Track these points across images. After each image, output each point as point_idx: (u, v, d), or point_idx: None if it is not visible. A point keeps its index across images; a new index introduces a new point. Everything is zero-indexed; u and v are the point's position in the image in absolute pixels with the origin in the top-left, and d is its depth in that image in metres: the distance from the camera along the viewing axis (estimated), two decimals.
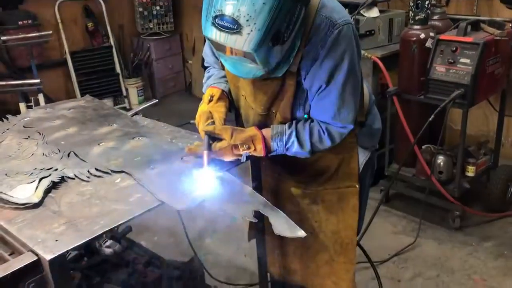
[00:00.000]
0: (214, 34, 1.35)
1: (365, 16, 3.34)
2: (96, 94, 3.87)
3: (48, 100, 4.09)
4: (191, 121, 3.62)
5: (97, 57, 5.33)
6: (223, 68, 1.81)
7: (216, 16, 1.32)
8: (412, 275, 2.82)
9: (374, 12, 3.34)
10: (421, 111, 3.17)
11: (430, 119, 2.78)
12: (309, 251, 1.97)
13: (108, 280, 1.86)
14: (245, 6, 1.29)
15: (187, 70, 6.25)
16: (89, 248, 2.11)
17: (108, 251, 2.13)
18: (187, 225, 2.56)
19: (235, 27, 1.30)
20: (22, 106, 3.93)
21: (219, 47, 1.45)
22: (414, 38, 3.05)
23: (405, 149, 3.20)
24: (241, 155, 1.61)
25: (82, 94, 4.71)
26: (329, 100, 1.58)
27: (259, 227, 1.76)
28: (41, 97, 4.00)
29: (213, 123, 1.65)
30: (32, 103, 3.97)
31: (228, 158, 1.61)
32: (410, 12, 3.10)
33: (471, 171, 3.20)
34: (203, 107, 1.74)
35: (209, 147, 1.56)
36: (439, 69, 2.92)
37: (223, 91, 1.78)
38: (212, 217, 3.41)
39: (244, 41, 1.32)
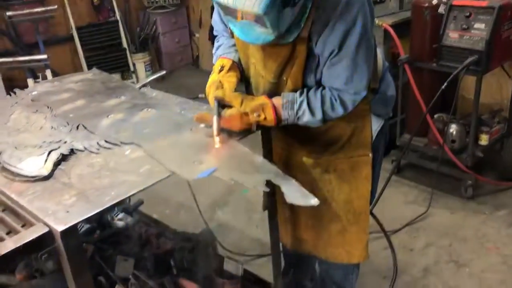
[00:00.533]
0: None
1: None
2: (104, 69, 3.83)
3: (56, 75, 4.07)
4: (200, 95, 3.59)
5: (104, 32, 5.28)
6: (232, 35, 1.77)
7: None
8: (425, 244, 2.81)
9: None
10: (433, 79, 3.11)
11: (443, 87, 2.73)
12: (322, 221, 1.96)
13: (120, 252, 1.87)
14: None
15: (194, 43, 6.19)
16: (101, 221, 2.12)
17: (120, 224, 2.15)
18: (198, 198, 2.57)
19: None
20: (30, 82, 3.92)
21: (227, 11, 1.41)
22: (426, 4, 2.97)
23: (417, 119, 3.16)
24: (251, 124, 1.58)
25: (90, 69, 4.68)
26: (341, 65, 1.54)
27: (271, 197, 1.74)
28: (48, 73, 3.99)
29: (223, 92, 1.62)
30: (40, 79, 3.96)
31: (238, 127, 1.58)
32: None
33: (484, 140, 3.16)
34: (213, 77, 1.71)
35: (219, 115, 1.54)
36: (452, 36, 2.85)
37: (233, 61, 1.74)
38: (222, 189, 3.43)
39: (254, 3, 1.29)
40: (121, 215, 2.18)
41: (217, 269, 1.89)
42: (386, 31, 3.15)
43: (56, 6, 4.24)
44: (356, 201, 1.88)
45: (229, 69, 1.72)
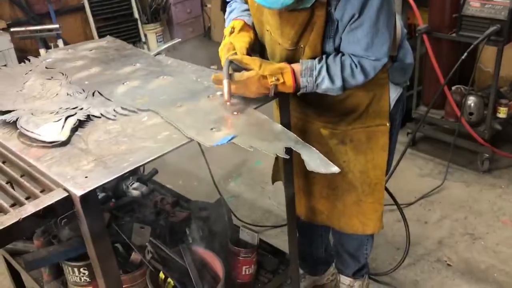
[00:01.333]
0: None
1: None
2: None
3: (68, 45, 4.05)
4: (211, 67, 3.55)
5: (115, 2, 5.22)
6: (246, 1, 1.73)
7: None
8: (439, 217, 2.79)
9: None
10: (452, 50, 3.05)
11: (463, 57, 2.67)
12: (336, 191, 1.94)
13: (137, 221, 1.87)
14: None
15: (206, 14, 6.11)
16: (116, 190, 2.12)
17: (135, 193, 2.15)
18: (211, 169, 2.56)
19: None
20: (42, 52, 3.89)
21: None
22: None
23: (434, 91, 3.11)
24: (268, 88, 1.53)
25: None
26: (361, 30, 1.49)
27: (288, 166, 1.72)
28: (60, 43, 3.96)
29: (235, 53, 1.57)
30: (52, 49, 3.93)
31: (255, 90, 1.53)
32: None
33: (502, 112, 3.10)
34: (225, 40, 1.67)
35: (229, 77, 1.49)
36: (474, 4, 2.76)
37: (245, 22, 1.70)
38: (235, 161, 3.43)
39: None
40: (136, 185, 2.18)
41: (233, 238, 1.89)
42: (405, 0, 3.06)
43: None
44: (372, 171, 1.86)
45: (240, 30, 1.68)
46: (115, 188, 2.11)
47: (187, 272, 1.68)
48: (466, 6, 2.80)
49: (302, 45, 1.62)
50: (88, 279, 1.74)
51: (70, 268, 1.73)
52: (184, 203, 2.16)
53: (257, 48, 1.79)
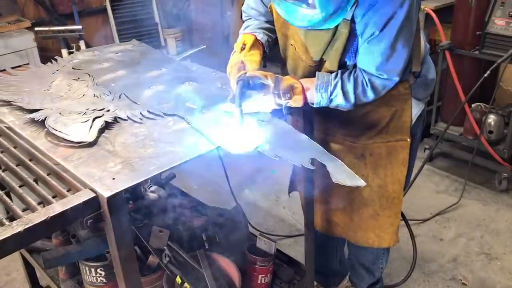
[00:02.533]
0: None
1: None
2: None
3: (88, 47, 4.09)
4: (223, 72, 3.57)
5: (137, 6, 5.27)
6: (272, 15, 1.72)
7: None
8: (455, 235, 2.77)
9: None
10: (473, 67, 3.03)
11: (486, 75, 2.65)
12: (354, 205, 1.94)
13: (154, 224, 1.88)
14: None
15: (225, 21, 6.14)
16: (134, 193, 2.13)
17: (152, 196, 2.16)
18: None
19: None
20: (64, 52, 3.94)
21: None
22: None
23: (453, 107, 3.09)
24: (281, 105, 1.54)
25: (121, 43, 4.68)
26: (378, 48, 1.49)
27: (309, 177, 1.73)
28: (82, 44, 4.00)
29: (246, 74, 1.55)
30: (74, 50, 3.98)
31: (268, 108, 1.54)
32: None
33: None
34: (235, 56, 1.66)
35: (241, 104, 1.45)
36: (498, 23, 2.75)
37: (256, 38, 1.69)
38: (250, 168, 3.43)
39: None
40: (153, 188, 2.19)
41: (249, 246, 1.89)
42: (428, 16, 3.06)
43: None
44: (391, 186, 1.86)
45: (251, 47, 1.67)
46: (133, 190, 2.12)
47: (204, 278, 1.68)
48: (491, 24, 2.79)
49: (324, 59, 1.63)
50: (104, 280, 1.75)
51: (87, 268, 1.75)
52: (201, 208, 2.17)
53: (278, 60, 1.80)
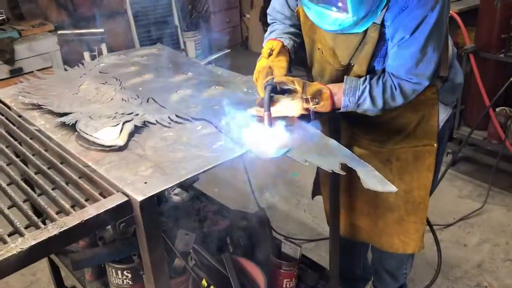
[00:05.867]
0: None
1: None
2: None
3: (109, 49, 4.14)
4: (249, 76, 3.57)
5: (157, 9, 5.31)
6: (299, 19, 1.72)
7: None
8: (479, 240, 2.73)
9: None
10: (498, 71, 3.00)
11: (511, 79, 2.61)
12: (379, 209, 1.93)
13: (180, 226, 1.89)
14: None
15: (244, 24, 6.16)
16: (158, 196, 2.14)
17: (176, 198, 2.17)
18: (246, 178, 2.55)
19: None
20: (86, 55, 3.99)
21: None
22: None
23: (477, 111, 3.05)
24: (309, 110, 1.53)
25: (141, 45, 4.74)
26: (408, 51, 1.48)
27: (334, 181, 1.72)
28: (104, 47, 4.05)
29: (273, 79, 1.55)
30: (96, 53, 4.03)
31: (297, 113, 1.54)
32: None
33: None
34: (262, 62, 1.66)
35: (269, 108, 1.45)
36: None
37: (283, 44, 1.69)
38: (271, 171, 3.42)
39: None
40: (177, 190, 2.20)
41: (274, 250, 1.89)
42: (451, 19, 3.03)
43: None
44: (417, 191, 1.84)
45: (279, 53, 1.66)
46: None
47: (229, 282, 1.69)
48: None
49: (352, 64, 1.62)
50: (130, 282, 1.77)
51: (113, 270, 1.76)
52: (225, 212, 2.17)
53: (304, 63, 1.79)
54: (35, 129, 1.56)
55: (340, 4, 1.31)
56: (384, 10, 1.44)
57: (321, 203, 2.18)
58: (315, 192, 2.22)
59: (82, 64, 2.12)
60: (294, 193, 3.22)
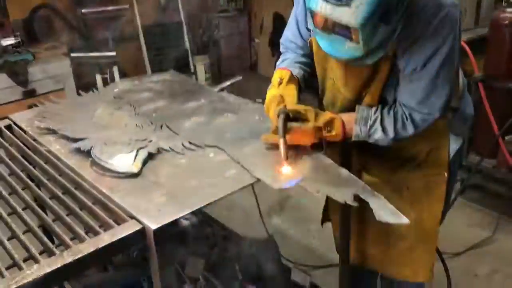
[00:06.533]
0: (320, 5, 1.30)
1: None
2: (165, 69, 3.94)
3: (120, 72, 4.19)
4: (257, 100, 3.62)
5: (168, 33, 5.40)
6: (311, 48, 1.75)
7: None
8: (490, 270, 2.70)
9: None
10: (508, 100, 3.00)
11: None
12: (389, 238, 1.92)
13: (188, 251, 1.89)
14: None
15: (253, 48, 6.23)
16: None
17: (185, 223, 2.18)
18: (255, 202, 2.55)
19: None
20: (98, 78, 4.05)
21: (318, 23, 1.39)
22: (507, 22, 2.86)
23: (486, 139, 3.05)
24: (321, 139, 1.55)
25: (152, 68, 4.81)
26: (419, 83, 1.50)
27: (346, 210, 1.72)
28: (115, 70, 4.11)
29: (285, 107, 1.56)
30: (108, 75, 4.09)
31: (309, 142, 1.55)
32: None
33: None
34: (272, 91, 1.67)
35: (284, 135, 1.46)
36: None
37: (292, 73, 1.71)
38: (279, 196, 3.42)
39: (352, 14, 1.27)
40: (187, 215, 2.20)
41: (284, 278, 1.88)
42: (460, 48, 3.06)
43: (128, 6, 4.38)
44: (427, 220, 1.84)
45: (288, 82, 1.68)
46: None
47: None
48: None
49: (363, 94, 1.64)
50: None
51: None
52: (234, 238, 2.18)
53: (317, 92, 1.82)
54: (50, 154, 1.59)
55: (352, 36, 1.34)
56: (396, 42, 1.47)
57: (330, 229, 2.17)
58: (325, 218, 2.22)
59: (97, 89, 2.15)
60: (302, 218, 3.21)
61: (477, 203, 3.29)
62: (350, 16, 1.27)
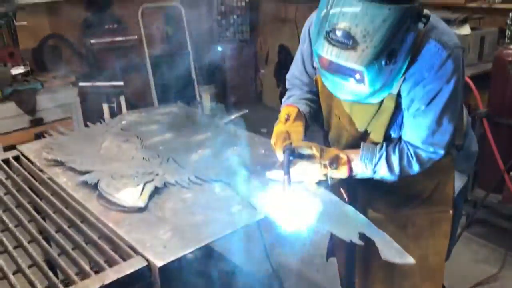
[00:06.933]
0: (325, 49, 1.32)
1: (456, 34, 3.22)
2: (172, 98, 3.98)
3: (127, 102, 4.24)
4: (262, 130, 3.62)
5: (175, 62, 5.47)
6: (316, 86, 1.77)
7: (330, 31, 1.29)
8: None
9: (465, 30, 3.22)
10: None
11: None
12: (394, 275, 1.90)
13: (193, 286, 1.87)
14: (364, 22, 1.26)
15: (259, 79, 6.31)
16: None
17: (189, 256, 2.16)
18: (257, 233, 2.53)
19: (350, 43, 1.27)
20: (105, 107, 4.09)
21: (325, 64, 1.41)
22: (510, 58, 2.89)
23: (491, 174, 3.04)
24: (326, 175, 1.56)
25: (159, 98, 4.86)
26: (424, 122, 1.51)
27: (352, 247, 1.71)
28: (122, 100, 4.15)
29: (291, 143, 1.58)
30: (114, 105, 4.13)
31: (314, 178, 1.56)
32: (508, 30, 2.95)
33: None
34: (279, 127, 1.69)
35: (288, 171, 1.47)
36: None
37: (299, 110, 1.74)
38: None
39: (358, 57, 1.28)
40: None
41: None
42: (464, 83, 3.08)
43: (136, 36, 4.45)
44: (432, 257, 1.82)
45: (295, 118, 1.71)
46: None
47: None
48: None
49: (369, 131, 1.65)
50: None
51: None
52: (238, 273, 2.15)
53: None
54: (57, 186, 1.59)
55: (357, 76, 1.35)
56: (401, 81, 1.48)
57: (335, 264, 2.15)
58: (329, 254, 2.20)
59: (103, 119, 2.18)
60: (306, 251, 3.18)
61: (483, 238, 3.26)
62: (356, 59, 1.29)
